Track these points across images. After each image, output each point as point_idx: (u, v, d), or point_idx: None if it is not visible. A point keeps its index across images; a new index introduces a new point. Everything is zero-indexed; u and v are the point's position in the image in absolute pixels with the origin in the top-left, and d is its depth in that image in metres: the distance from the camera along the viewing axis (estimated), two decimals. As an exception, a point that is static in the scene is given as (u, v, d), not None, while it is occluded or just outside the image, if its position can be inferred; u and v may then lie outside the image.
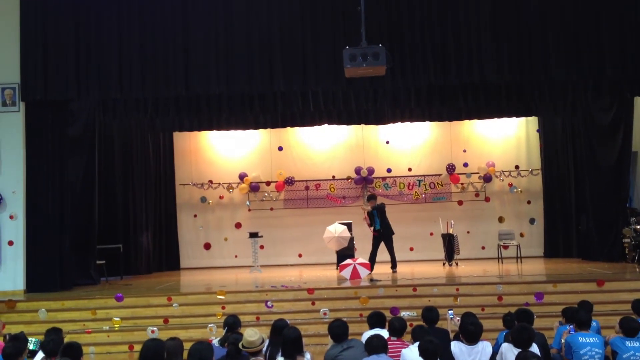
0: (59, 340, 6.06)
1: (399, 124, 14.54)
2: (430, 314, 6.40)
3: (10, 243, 11.08)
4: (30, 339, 6.95)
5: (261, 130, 15.08)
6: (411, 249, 14.63)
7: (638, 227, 12.30)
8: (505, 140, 15.32)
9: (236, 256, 15.15)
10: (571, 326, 6.34)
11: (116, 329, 9.42)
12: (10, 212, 11.12)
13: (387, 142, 15.35)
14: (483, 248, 14.90)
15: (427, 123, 14.92)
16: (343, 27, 10.40)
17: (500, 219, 15.21)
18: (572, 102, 13.10)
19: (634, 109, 12.48)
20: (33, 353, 6.20)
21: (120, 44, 10.73)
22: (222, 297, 9.95)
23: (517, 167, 15.21)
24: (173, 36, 10.70)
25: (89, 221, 12.14)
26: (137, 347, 7.40)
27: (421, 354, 5.05)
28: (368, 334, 5.86)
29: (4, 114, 11.19)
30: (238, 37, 10.60)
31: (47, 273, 11.01)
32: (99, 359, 8.76)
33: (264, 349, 5.55)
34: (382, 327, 6.30)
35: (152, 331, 9.02)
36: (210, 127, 14.33)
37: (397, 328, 6.00)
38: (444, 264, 13.32)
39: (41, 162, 11.24)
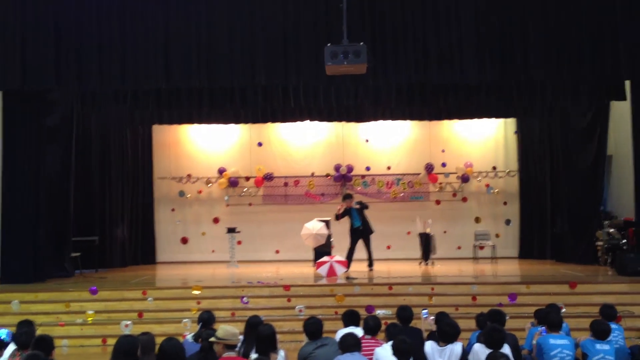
0: (31, 332, 6.02)
1: (379, 122, 14.59)
2: (405, 313, 6.45)
3: (-16, 233, 10.93)
4: (2, 330, 6.90)
5: (241, 126, 15.02)
6: (388, 248, 14.70)
7: (611, 230, 12.53)
8: (483, 142, 15.46)
9: (213, 251, 15.08)
10: (543, 328, 6.44)
11: (90, 322, 9.34)
12: (-17, 202, 10.95)
13: (367, 141, 15.40)
14: (459, 248, 15.03)
15: (407, 122, 15.00)
16: (325, 24, 10.37)
17: (477, 220, 15.37)
18: (550, 105, 13.28)
19: (609, 114, 12.68)
20: (4, 344, 6.13)
21: (100, 35, 10.56)
22: (198, 292, 9.92)
23: (494, 168, 15.37)
24: (154, 28, 10.57)
25: (65, 213, 11.99)
26: (111, 341, 7.40)
27: (394, 352, 5.10)
28: (342, 332, 5.90)
29: (-20, 103, 11.02)
30: (219, 30, 10.52)
31: (21, 264, 10.87)
32: (72, 352, 8.66)
33: (238, 345, 5.55)
34: (357, 325, 6.34)
35: (126, 325, 8.95)
36: (190, 121, 14.22)
37: (372, 326, 6.04)
38: (420, 263, 13.42)
39: (17, 153, 11.08)
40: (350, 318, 6.44)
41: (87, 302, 9.70)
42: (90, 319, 9.35)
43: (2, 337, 6.43)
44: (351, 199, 12.48)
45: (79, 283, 10.98)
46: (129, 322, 9.00)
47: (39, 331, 6.71)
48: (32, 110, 11.18)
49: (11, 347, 5.91)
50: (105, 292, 10.01)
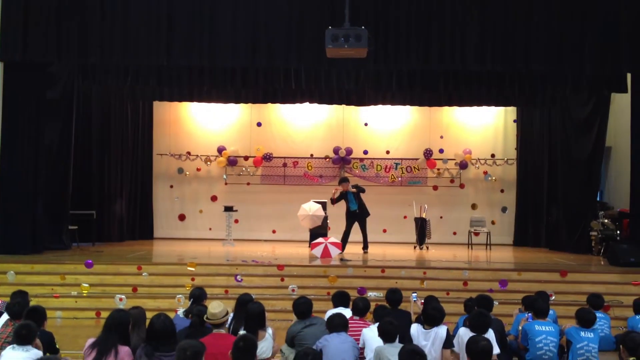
0: (24, 303, 6.10)
1: (379, 106, 14.59)
2: (394, 296, 6.54)
3: (-19, 204, 10.99)
4: (-4, 300, 6.98)
5: (242, 105, 15.01)
6: (384, 231, 14.79)
7: (606, 220, 12.59)
8: (483, 129, 15.47)
9: (210, 229, 15.17)
10: (529, 314, 6.52)
11: (84, 295, 9.44)
12: (-18, 173, 11.00)
13: (366, 124, 15.41)
14: (455, 234, 15.12)
15: (407, 107, 15.00)
16: (329, 6, 10.34)
17: (474, 206, 15.43)
18: (551, 95, 13.25)
19: (610, 105, 12.66)
20: (-4, 314, 6.22)
21: (103, 8, 10.54)
22: (193, 269, 10.01)
23: (493, 155, 15.39)
24: (157, 4, 10.55)
25: (63, 186, 12.04)
26: (104, 314, 7.44)
27: (380, 334, 5.18)
28: (332, 312, 5.99)
29: (-19, 74, 11.01)
30: (222, 9, 10.48)
31: (18, 235, 10.93)
32: (65, 324, 8.76)
33: (228, 322, 5.64)
34: (346, 306, 6.42)
35: (120, 299, 9.06)
36: (190, 99, 14.23)
37: (360, 308, 6.13)
38: (414, 248, 13.51)
39: (17, 124, 11.08)
40: (340, 299, 6.52)
41: (82, 275, 9.80)
42: (85, 291, 9.45)
43: (-5, 307, 6.53)
44: (347, 183, 12.53)
45: (75, 256, 11.06)
46: (123, 297, 9.11)
47: (33, 302, 6.80)
48: (33, 83, 11.16)
49: (4, 317, 5.99)
50: (100, 266, 10.11)
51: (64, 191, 12.08)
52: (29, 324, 5.13)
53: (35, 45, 10.65)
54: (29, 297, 6.59)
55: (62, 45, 10.62)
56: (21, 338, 4.94)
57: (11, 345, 4.97)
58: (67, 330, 8.17)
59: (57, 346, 5.85)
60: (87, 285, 9.49)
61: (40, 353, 4.91)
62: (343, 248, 11.90)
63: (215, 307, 5.30)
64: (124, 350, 4.68)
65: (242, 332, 5.39)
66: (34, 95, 11.19)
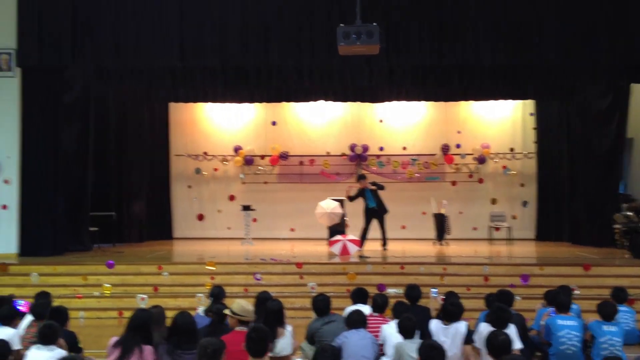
0: (47, 303, 6.19)
1: (394, 102, 14.52)
2: (413, 292, 6.51)
3: (5, 207, 11.19)
4: (20, 301, 7.10)
5: (257, 104, 15.05)
6: (403, 228, 14.71)
7: (629, 213, 12.40)
8: (501, 123, 15.32)
9: (229, 228, 15.22)
10: (551, 309, 6.45)
11: (106, 295, 9.55)
12: (4, 177, 11.19)
13: (381, 121, 15.35)
14: (475, 229, 15.00)
15: (423, 102, 14.91)
16: (339, 3, 10.31)
17: (493, 201, 15.30)
18: (569, 88, 13.09)
19: (629, 96, 12.46)
20: (22, 315, 6.31)
21: (116, 11, 10.66)
22: (212, 268, 10.06)
23: (511, 149, 15.24)
24: (168, 6, 10.62)
25: (83, 188, 12.19)
26: (127, 314, 7.56)
27: (399, 330, 5.16)
28: (350, 309, 5.98)
29: (0, 79, 11.17)
30: (233, 9, 10.52)
31: (40, 238, 11.11)
32: (88, 324, 8.87)
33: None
34: (365, 303, 6.41)
35: (142, 299, 9.14)
36: (205, 99, 14.31)
37: (379, 304, 6.12)
38: (434, 243, 13.43)
39: (36, 128, 11.27)
40: (359, 296, 6.51)
41: (104, 276, 9.91)
42: (107, 291, 9.56)
43: (20, 308, 6.63)
44: (365, 180, 12.50)
45: (96, 257, 11.19)
46: (144, 296, 9.19)
47: (56, 303, 6.88)
48: (50, 87, 11.34)
49: (28, 318, 6.09)
50: (121, 266, 10.22)
51: (84, 193, 12.24)
52: (52, 324, 5.20)
53: (51, 50, 10.82)
54: (51, 297, 6.68)
55: (76, 49, 10.80)
56: (45, 338, 5.01)
57: (36, 345, 5.04)
58: (90, 329, 8.27)
59: (81, 345, 5.93)
60: (108, 285, 9.60)
61: (64, 352, 4.96)
62: (362, 245, 11.87)
63: (246, 304, 5.31)
64: (148, 349, 4.73)
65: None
66: (51, 100, 11.37)
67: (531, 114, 15.15)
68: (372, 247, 12.15)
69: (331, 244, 11.66)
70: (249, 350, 4.26)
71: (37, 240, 11.09)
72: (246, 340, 4.30)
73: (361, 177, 12.68)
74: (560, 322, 6.12)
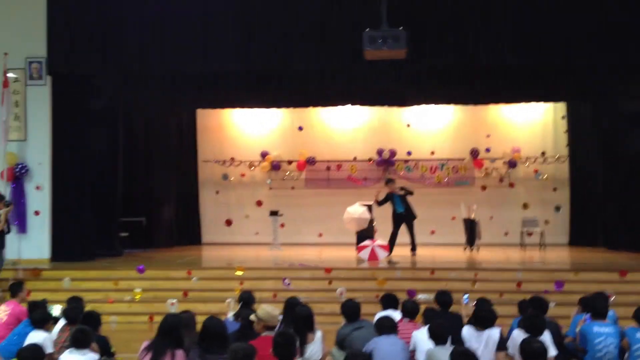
0: (79, 308, 6.26)
1: (421, 106, 14.41)
2: (444, 298, 6.40)
3: (37, 213, 11.38)
4: (53, 306, 7.19)
5: (283, 110, 15.09)
6: (432, 233, 14.56)
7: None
8: (531, 126, 15.09)
9: (257, 233, 15.25)
10: (587, 315, 6.29)
11: (137, 299, 9.62)
12: (36, 183, 11.39)
13: (408, 125, 15.23)
14: (506, 234, 14.77)
15: (451, 106, 14.76)
16: (364, 7, 10.27)
17: (525, 206, 15.05)
18: (601, 89, 12.80)
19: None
20: (55, 320, 6.40)
21: (142, 19, 10.81)
22: (241, 273, 10.08)
23: (543, 153, 14.98)
24: (192, 12, 10.71)
25: (112, 194, 12.36)
26: (157, 318, 7.57)
27: (430, 336, 5.08)
28: (380, 314, 5.91)
29: (31, 87, 11.44)
30: (258, 14, 10.57)
31: (71, 243, 11.29)
32: (120, 328, 8.93)
33: (277, 325, 5.62)
34: (395, 308, 6.33)
35: (172, 303, 9.18)
36: (231, 105, 14.42)
37: (410, 310, 6.03)
38: (464, 249, 13.26)
39: (66, 135, 11.45)
40: (388, 301, 6.44)
41: (134, 281, 9.99)
42: (137, 296, 9.63)
43: (53, 313, 6.72)
44: (393, 184, 12.40)
45: (127, 262, 11.31)
46: (174, 301, 9.23)
47: (89, 308, 6.95)
48: (79, 94, 11.53)
49: (61, 322, 6.16)
50: (152, 271, 10.30)
51: (114, 199, 12.40)
52: (85, 328, 5.24)
53: (80, 58, 11.02)
54: (84, 302, 6.75)
55: (104, 56, 10.96)
56: (78, 342, 5.05)
57: (69, 350, 5.09)
58: (122, 334, 8.31)
59: (113, 350, 5.97)
60: (139, 290, 9.67)
61: (97, 356, 5.00)
62: (390, 250, 11.77)
63: (271, 309, 5.30)
64: (179, 353, 4.74)
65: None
66: (81, 107, 11.57)
67: (563, 117, 14.88)
68: (401, 252, 12.04)
69: (360, 249, 11.59)
70: (277, 355, 4.24)
71: (69, 246, 11.26)
72: (273, 345, 4.28)
73: (389, 181, 12.59)
74: (596, 329, 5.96)
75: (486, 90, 12.91)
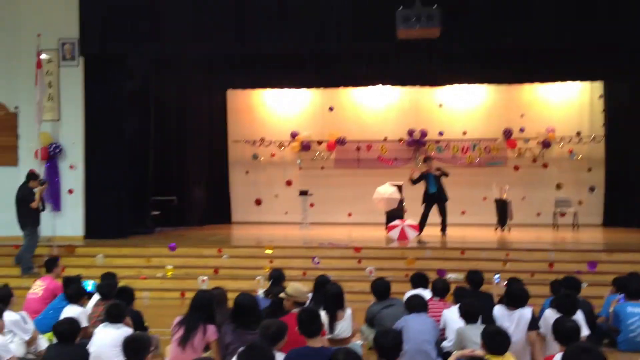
0: (113, 284, 6.39)
1: (454, 86, 14.19)
2: (475, 277, 6.36)
3: (71, 191, 11.63)
4: (87, 281, 7.36)
5: (314, 90, 15.03)
6: (463, 213, 14.43)
7: None
8: (567, 105, 14.75)
9: (286, 213, 15.31)
10: (621, 296, 6.19)
11: (169, 276, 9.78)
12: (70, 162, 11.62)
13: (440, 106, 15.03)
14: (538, 215, 14.56)
15: (483, 86, 14.51)
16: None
17: (558, 186, 14.78)
18: (638, 69, 12.40)
19: None
20: (90, 295, 6.55)
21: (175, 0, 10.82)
22: (270, 252, 10.15)
23: (578, 133, 14.66)
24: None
25: (144, 173, 12.51)
26: (188, 295, 7.71)
27: (461, 314, 5.05)
28: (410, 293, 5.89)
29: (64, 68, 11.61)
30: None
31: (105, 221, 11.49)
32: (152, 304, 9.09)
33: (307, 302, 5.66)
34: (425, 287, 6.32)
35: (203, 280, 9.31)
36: (262, 86, 14.44)
37: (440, 289, 6.01)
38: (496, 229, 13.12)
39: (99, 115, 11.61)
40: (419, 280, 6.42)
41: (166, 258, 10.15)
42: (169, 273, 9.79)
43: (88, 289, 6.88)
44: (431, 162, 12.28)
45: (159, 240, 11.48)
46: (205, 278, 9.36)
47: (122, 283, 7.09)
48: (112, 75, 11.64)
49: (95, 297, 6.30)
50: (183, 249, 10.44)
51: (146, 178, 12.56)
52: (118, 303, 5.35)
53: (112, 39, 11.08)
54: (117, 278, 6.89)
55: (137, 37, 11.00)
56: (112, 317, 5.16)
57: (103, 324, 5.20)
58: (154, 309, 8.45)
59: (146, 324, 6.09)
60: (171, 267, 9.82)
61: (130, 330, 5.11)
62: (420, 230, 11.70)
63: (301, 286, 5.34)
64: (211, 328, 4.83)
65: (321, 312, 5.40)
66: (113, 87, 11.68)
67: (600, 97, 14.51)
68: (431, 232, 11.96)
69: (389, 229, 11.55)
70: (302, 331, 4.26)
71: (102, 224, 11.47)
72: (297, 321, 4.31)
73: (427, 159, 12.46)
74: (630, 309, 5.90)
75: (521, 70, 12.65)
